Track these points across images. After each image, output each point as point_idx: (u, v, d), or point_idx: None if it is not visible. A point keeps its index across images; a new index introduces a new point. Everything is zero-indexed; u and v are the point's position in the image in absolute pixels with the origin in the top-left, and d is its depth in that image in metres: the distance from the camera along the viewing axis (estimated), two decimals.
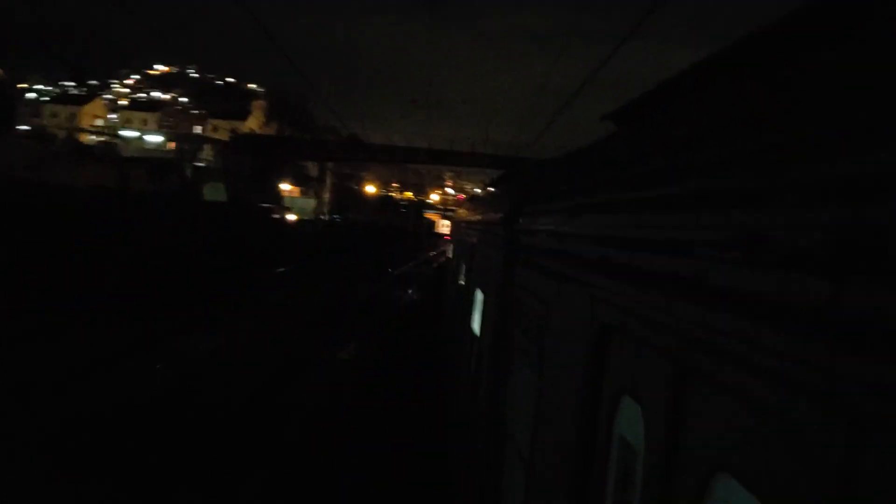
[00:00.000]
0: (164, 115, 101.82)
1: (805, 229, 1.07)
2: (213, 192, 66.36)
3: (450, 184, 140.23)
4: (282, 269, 36.41)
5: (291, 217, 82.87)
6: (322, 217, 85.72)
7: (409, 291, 33.77)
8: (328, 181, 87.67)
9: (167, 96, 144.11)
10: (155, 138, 76.84)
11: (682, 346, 1.46)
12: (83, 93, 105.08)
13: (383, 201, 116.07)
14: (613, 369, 2.04)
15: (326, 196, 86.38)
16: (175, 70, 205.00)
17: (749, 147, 1.32)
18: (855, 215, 0.96)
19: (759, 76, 1.47)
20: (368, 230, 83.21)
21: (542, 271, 3.34)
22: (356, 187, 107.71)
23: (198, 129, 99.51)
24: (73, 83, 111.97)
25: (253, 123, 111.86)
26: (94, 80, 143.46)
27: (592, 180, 2.70)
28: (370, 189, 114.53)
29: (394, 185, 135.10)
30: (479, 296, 6.63)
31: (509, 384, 4.23)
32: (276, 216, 72.28)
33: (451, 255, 18.51)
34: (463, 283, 9.52)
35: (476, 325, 6.60)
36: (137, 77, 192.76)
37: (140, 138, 76.40)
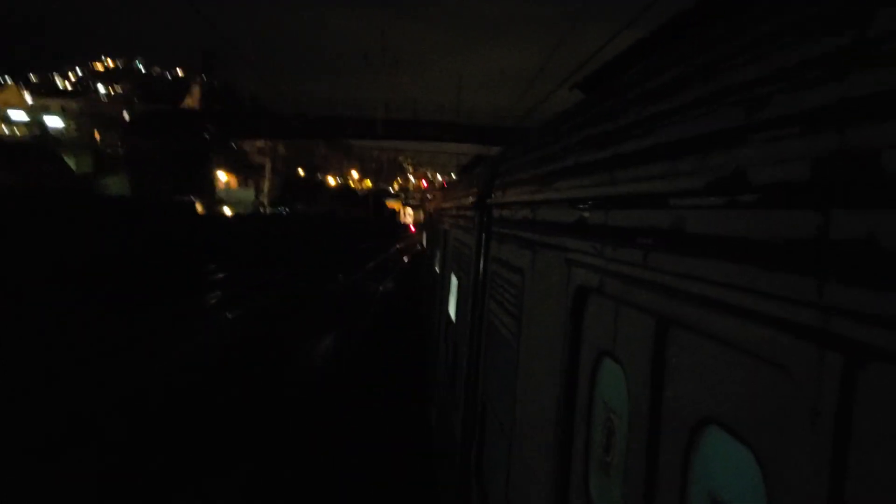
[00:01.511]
0: (88, 103, 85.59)
1: (787, 162, 1.06)
2: (117, 185, 50.71)
3: (411, 171, 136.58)
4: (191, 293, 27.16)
5: (227, 211, 66.43)
6: (262, 210, 69.93)
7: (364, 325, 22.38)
8: (267, 167, 72.02)
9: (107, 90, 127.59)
10: (54, 122, 60.93)
11: (663, 299, 1.46)
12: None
13: (339, 190, 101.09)
14: (592, 332, 2.04)
15: (266, 185, 70.93)
16: (121, 64, 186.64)
17: (719, 88, 1.32)
18: (841, 142, 0.94)
19: (722, 22, 1.49)
20: (320, 223, 73.00)
21: (516, 242, 3.32)
22: (311, 177, 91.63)
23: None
24: None
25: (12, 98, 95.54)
26: (34, 74, 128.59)
27: (563, 145, 2.63)
28: (329, 179, 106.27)
29: (353, 173, 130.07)
30: (453, 280, 6.67)
31: (487, 360, 4.18)
32: (204, 212, 55.62)
33: (422, 249, 16.80)
34: (437, 270, 9.60)
35: (452, 310, 6.64)
36: (80, 73, 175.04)
37: (39, 123, 60.45)
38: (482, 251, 4.57)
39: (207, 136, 56.54)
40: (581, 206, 2.15)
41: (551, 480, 2.29)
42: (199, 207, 60.33)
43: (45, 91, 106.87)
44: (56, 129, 63.17)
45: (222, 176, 79.45)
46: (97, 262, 25.74)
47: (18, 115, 63.24)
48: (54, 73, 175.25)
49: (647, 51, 2.22)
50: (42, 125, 63.95)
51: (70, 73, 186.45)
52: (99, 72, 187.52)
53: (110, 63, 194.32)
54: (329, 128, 63.98)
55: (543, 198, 2.80)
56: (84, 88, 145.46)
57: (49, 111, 69.45)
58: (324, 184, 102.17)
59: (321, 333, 19.81)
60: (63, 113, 65.00)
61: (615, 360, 1.83)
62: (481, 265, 4.58)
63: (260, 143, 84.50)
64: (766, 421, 1.08)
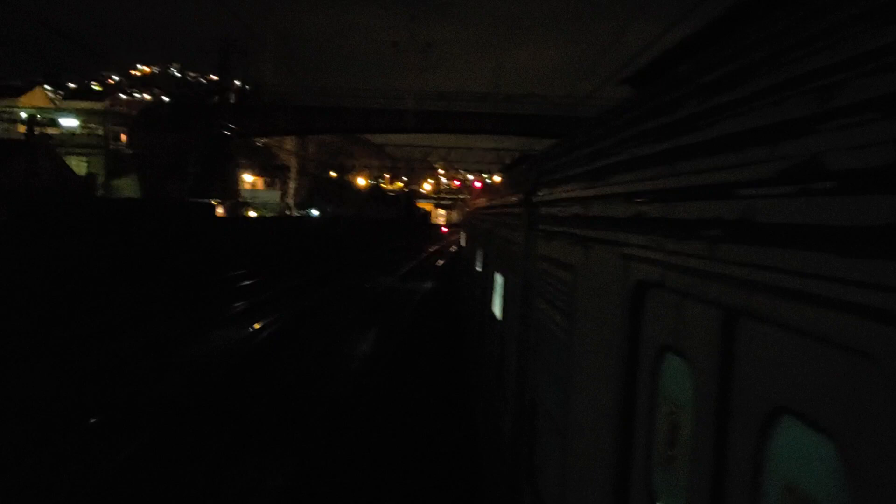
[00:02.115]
0: (112, 104, 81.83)
1: (866, 148, 1.07)
2: (130, 186, 46.13)
3: (442, 172, 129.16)
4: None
5: (252, 214, 62.00)
6: (288, 212, 64.99)
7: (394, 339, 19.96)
8: (292, 167, 66.92)
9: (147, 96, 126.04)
10: (68, 121, 56.63)
11: (732, 291, 1.47)
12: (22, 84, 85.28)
13: (370, 192, 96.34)
14: (652, 327, 2.03)
15: (292, 186, 65.85)
16: (157, 70, 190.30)
17: (790, 77, 1.33)
18: None
19: (782, 12, 1.51)
20: (350, 226, 69.81)
21: (566, 239, 3.28)
22: (342, 178, 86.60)
23: None
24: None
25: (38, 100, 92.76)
26: (71, 82, 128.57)
27: (618, 139, 2.59)
28: (360, 181, 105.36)
29: (385, 176, 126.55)
30: (498, 278, 6.66)
31: (537, 358, 4.15)
32: (225, 215, 50.79)
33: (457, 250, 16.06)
34: (479, 268, 9.69)
35: (497, 308, 6.61)
36: (118, 79, 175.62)
37: (53, 122, 56.28)
38: (529, 249, 4.54)
39: (226, 133, 51.39)
40: (639, 200, 2.12)
41: (611, 476, 2.27)
42: (219, 210, 55.61)
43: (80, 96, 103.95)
44: (70, 129, 58.70)
45: (248, 177, 74.62)
46: (85, 272, 23.46)
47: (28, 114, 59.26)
48: (91, 81, 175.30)
49: (700, 45, 2.21)
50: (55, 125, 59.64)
51: (109, 80, 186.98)
52: (135, 77, 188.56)
53: (146, 69, 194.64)
54: (354, 121, 58.12)
55: (596, 193, 2.76)
56: (117, 93, 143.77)
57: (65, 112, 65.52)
58: (354, 185, 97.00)
59: (354, 341, 18.90)
60: (76, 114, 60.59)
61: (679, 355, 1.82)
62: (528, 263, 4.53)
63: (289, 144, 79.79)
64: (848, 409, 1.08)
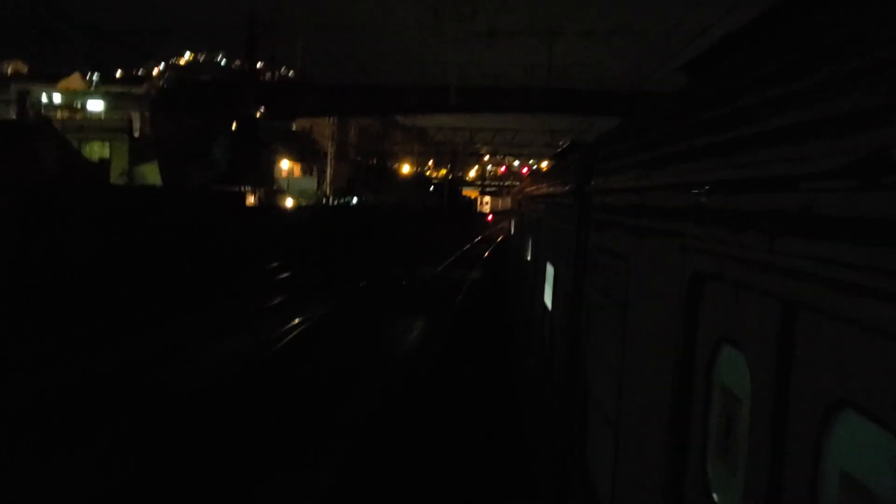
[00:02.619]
0: (150, 88, 78.48)
1: None
2: (153, 173, 41.81)
3: (488, 158, 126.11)
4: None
5: (289, 202, 58.13)
6: (325, 200, 60.51)
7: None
8: (329, 152, 62.32)
9: None
10: (95, 104, 53.07)
11: (790, 283, 1.49)
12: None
13: (412, 179, 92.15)
14: (709, 318, 2.05)
15: (329, 173, 61.30)
16: (202, 58, 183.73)
17: (860, 64, 1.32)
18: None
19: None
20: (391, 214, 66.11)
21: (620, 229, 3.30)
22: (382, 165, 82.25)
23: None
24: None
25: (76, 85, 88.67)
26: (121, 69, 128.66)
27: (675, 128, 2.60)
28: (404, 168, 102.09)
29: (429, 163, 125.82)
30: (549, 268, 6.67)
31: (588, 349, 4.18)
32: (256, 203, 52.02)
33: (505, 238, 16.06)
34: (529, 257, 9.84)
35: (548, 297, 6.61)
36: (163, 67, 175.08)
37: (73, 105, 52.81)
38: (581, 239, 4.56)
39: (251, 114, 46.93)
40: (697, 190, 2.12)
41: (665, 467, 2.30)
42: (250, 199, 51.22)
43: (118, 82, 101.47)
44: (95, 114, 55.10)
45: (285, 164, 70.42)
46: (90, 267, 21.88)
47: (56, 98, 55.72)
48: (138, 70, 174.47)
49: (760, 31, 2.19)
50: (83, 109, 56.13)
51: (157, 69, 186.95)
52: (180, 66, 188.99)
53: (190, 57, 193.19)
54: (391, 100, 52.97)
55: (652, 183, 2.76)
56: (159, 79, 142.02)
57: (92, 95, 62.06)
58: (396, 172, 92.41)
59: (396, 340, 18.21)
60: (105, 96, 56.90)
61: (736, 346, 1.83)
62: (580, 253, 4.55)
63: (328, 129, 75.61)
64: None
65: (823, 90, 1.41)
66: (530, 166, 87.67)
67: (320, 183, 67.20)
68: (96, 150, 49.35)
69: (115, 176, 47.10)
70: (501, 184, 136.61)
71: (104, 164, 42.60)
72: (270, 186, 60.18)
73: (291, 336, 17.80)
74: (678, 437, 2.18)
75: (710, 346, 2.00)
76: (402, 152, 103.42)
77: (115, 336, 16.75)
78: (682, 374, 2.18)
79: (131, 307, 19.55)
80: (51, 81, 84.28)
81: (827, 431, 1.33)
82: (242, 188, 46.95)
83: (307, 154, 78.86)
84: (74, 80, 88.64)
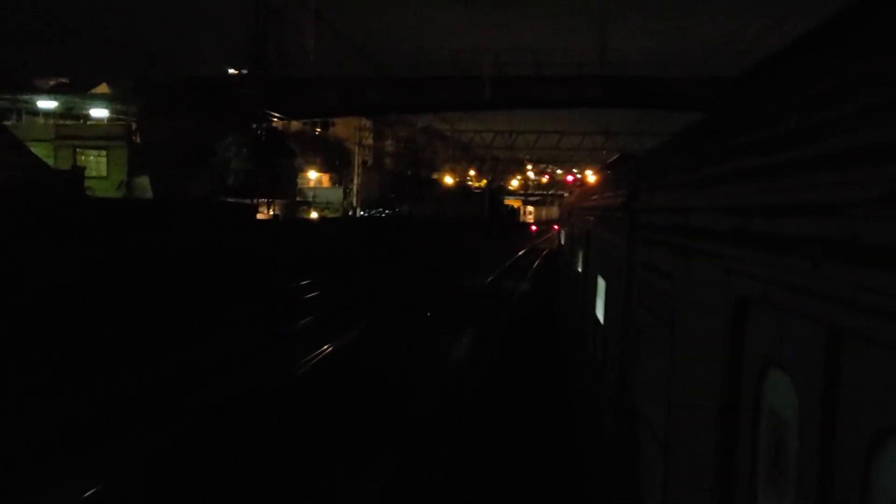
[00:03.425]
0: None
1: None
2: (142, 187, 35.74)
3: (531, 167, 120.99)
4: None
5: (313, 215, 52.32)
6: (352, 212, 54.18)
7: None
8: (355, 159, 55.81)
9: None
10: (99, 112, 47.64)
11: (835, 310, 1.49)
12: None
13: (451, 189, 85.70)
14: (755, 341, 2.05)
15: (356, 182, 54.86)
16: (244, 72, 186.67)
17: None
18: None
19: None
20: (426, 227, 59.62)
21: (666, 248, 3.28)
22: (417, 174, 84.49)
23: None
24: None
25: None
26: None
27: (719, 149, 2.59)
28: (447, 179, 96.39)
29: (471, 173, 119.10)
30: (600, 282, 6.60)
31: (638, 367, 4.13)
32: (275, 216, 46.74)
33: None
34: (580, 270, 9.71)
35: (599, 312, 6.60)
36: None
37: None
38: (630, 255, 4.53)
39: (258, 115, 40.53)
40: (741, 213, 2.14)
41: (715, 493, 2.28)
42: (267, 211, 44.93)
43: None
44: (97, 121, 49.63)
45: (313, 174, 64.26)
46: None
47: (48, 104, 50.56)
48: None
49: (810, 48, 2.15)
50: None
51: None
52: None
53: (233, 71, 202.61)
54: (417, 94, 45.87)
55: (698, 204, 2.75)
56: None
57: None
58: (435, 182, 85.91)
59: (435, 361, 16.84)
60: (111, 104, 51.45)
61: (783, 371, 1.84)
62: (629, 269, 4.53)
63: (354, 134, 69.30)
64: None
65: (870, 115, 1.40)
66: (575, 175, 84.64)
67: (346, 193, 60.31)
68: (92, 160, 43.97)
69: (111, 188, 41.62)
70: (545, 193, 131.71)
71: (77, 172, 36.84)
72: (293, 198, 53.90)
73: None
74: (726, 462, 2.19)
75: (756, 370, 2.02)
76: (441, 161, 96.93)
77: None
78: (728, 398, 2.18)
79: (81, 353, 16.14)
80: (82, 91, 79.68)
81: (875, 459, 1.34)
82: (256, 201, 40.53)
83: (338, 164, 72.66)
84: (103, 90, 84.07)
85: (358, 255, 38.90)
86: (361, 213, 63.11)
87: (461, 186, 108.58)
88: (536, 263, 41.82)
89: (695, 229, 2.69)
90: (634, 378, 4.17)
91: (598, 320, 6.58)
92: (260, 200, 43.16)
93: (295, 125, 72.41)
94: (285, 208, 50.77)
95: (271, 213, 47.52)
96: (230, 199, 38.63)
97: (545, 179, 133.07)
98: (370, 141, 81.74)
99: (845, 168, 1.44)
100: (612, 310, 5.45)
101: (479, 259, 43.64)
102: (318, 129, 67.52)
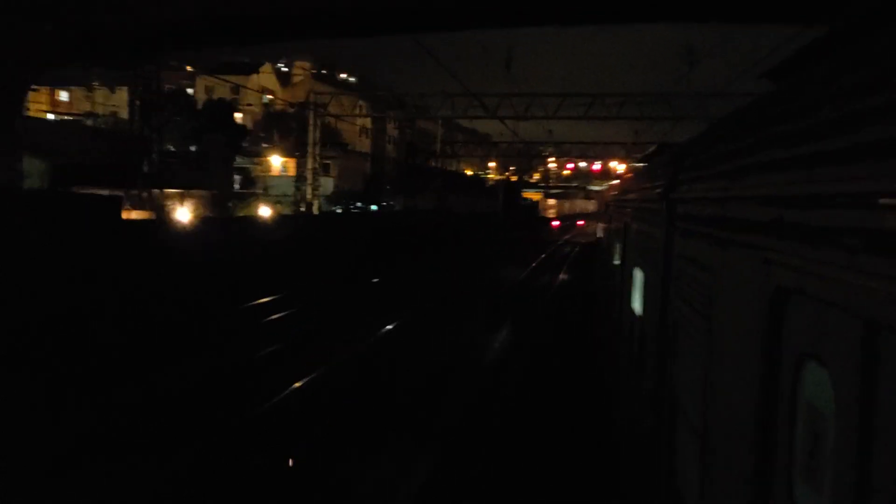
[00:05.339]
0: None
1: None
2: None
3: (553, 159, 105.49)
4: None
5: (265, 211, 33.37)
6: (307, 208, 38.73)
7: None
8: (310, 137, 40.27)
9: None
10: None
11: (871, 301, 1.52)
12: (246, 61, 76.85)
13: (458, 179, 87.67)
14: (793, 333, 2.06)
15: (310, 166, 39.76)
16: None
17: None
18: None
19: None
20: (422, 227, 45.38)
21: (704, 239, 3.28)
22: (414, 162, 71.54)
23: None
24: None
25: (266, 81, 74.58)
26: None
27: (756, 139, 2.60)
28: (453, 168, 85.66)
29: (490, 165, 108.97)
30: (637, 274, 6.60)
31: (676, 359, 4.13)
32: (144, 214, 30.61)
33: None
34: (618, 262, 9.70)
35: (637, 304, 6.59)
36: None
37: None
38: (667, 246, 4.50)
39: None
40: (778, 204, 2.13)
41: (751, 485, 2.31)
42: (134, 211, 29.94)
43: None
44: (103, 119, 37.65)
45: (276, 160, 49.62)
46: None
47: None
48: None
49: (847, 39, 2.15)
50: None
51: None
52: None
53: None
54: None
55: (735, 194, 2.74)
56: None
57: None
58: (438, 171, 71.19)
59: None
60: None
61: (820, 363, 1.85)
62: (667, 261, 4.52)
63: (362, 120, 55.41)
64: None
65: None
66: (604, 163, 77.07)
67: (299, 182, 44.86)
68: None
69: None
70: (568, 185, 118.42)
71: None
72: (228, 190, 39.58)
73: None
74: (763, 454, 2.22)
75: (793, 361, 2.04)
76: (460, 155, 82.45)
77: None
78: (765, 389, 2.22)
79: None
80: (246, 73, 66.14)
81: None
82: (125, 192, 26.00)
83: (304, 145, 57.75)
84: (265, 75, 69.97)
85: (289, 270, 25.07)
86: (334, 208, 48.88)
87: (473, 177, 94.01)
88: (560, 276, 28.11)
89: (733, 220, 2.71)
90: (672, 370, 4.19)
91: (635, 311, 6.68)
92: (155, 191, 29.29)
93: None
94: (213, 203, 36.84)
95: (191, 212, 33.34)
96: (84, 191, 24.95)
97: (568, 169, 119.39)
98: (362, 122, 67.71)
99: (880, 158, 1.43)
100: (649, 302, 5.53)
101: (482, 273, 31.46)
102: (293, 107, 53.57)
